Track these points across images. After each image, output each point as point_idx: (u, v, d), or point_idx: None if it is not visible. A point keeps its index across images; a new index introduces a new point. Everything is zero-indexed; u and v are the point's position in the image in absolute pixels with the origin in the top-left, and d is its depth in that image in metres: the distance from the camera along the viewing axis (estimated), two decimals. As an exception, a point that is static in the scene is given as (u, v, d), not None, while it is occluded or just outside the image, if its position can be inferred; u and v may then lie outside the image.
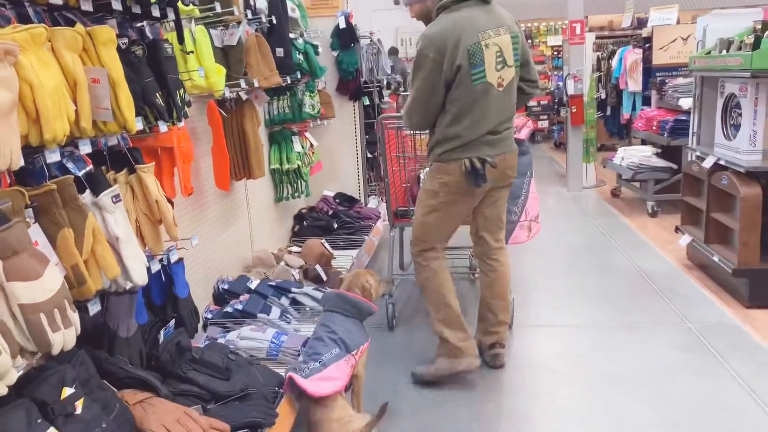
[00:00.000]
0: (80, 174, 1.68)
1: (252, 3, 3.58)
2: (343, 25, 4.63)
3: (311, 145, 4.33)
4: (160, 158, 2.34)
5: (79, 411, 1.40)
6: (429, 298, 3.04)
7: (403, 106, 2.95)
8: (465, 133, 2.76)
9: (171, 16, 2.25)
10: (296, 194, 4.19)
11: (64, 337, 1.34)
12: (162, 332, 2.21)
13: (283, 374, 2.43)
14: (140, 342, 2.09)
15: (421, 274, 3.03)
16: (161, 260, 2.23)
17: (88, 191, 1.69)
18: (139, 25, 2.22)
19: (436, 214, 2.92)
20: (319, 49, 4.28)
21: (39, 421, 1.30)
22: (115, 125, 1.75)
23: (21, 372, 1.32)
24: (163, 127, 2.10)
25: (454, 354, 2.96)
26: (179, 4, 2.31)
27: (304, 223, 4.51)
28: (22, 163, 1.39)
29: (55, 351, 1.32)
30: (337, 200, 4.84)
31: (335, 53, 4.76)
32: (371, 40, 4.95)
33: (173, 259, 2.27)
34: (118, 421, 1.52)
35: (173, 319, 2.29)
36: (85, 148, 1.68)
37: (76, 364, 1.53)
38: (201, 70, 2.51)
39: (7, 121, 1.34)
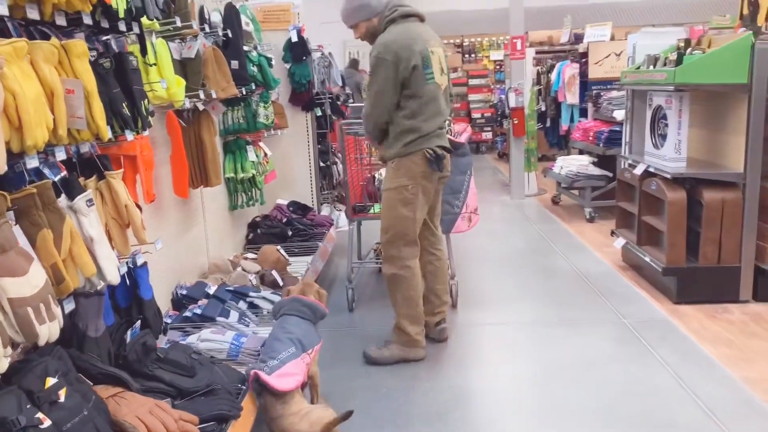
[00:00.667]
0: (56, 179, 1.77)
1: (207, 16, 3.69)
2: (295, 39, 4.77)
3: (265, 154, 4.44)
4: (123, 166, 2.43)
5: (62, 399, 1.49)
6: (400, 294, 3.32)
7: (361, 111, 3.27)
8: (423, 126, 3.13)
9: (135, 29, 2.35)
10: (251, 202, 4.28)
11: (49, 330, 1.44)
12: (129, 333, 2.28)
13: (244, 373, 2.55)
14: (108, 342, 2.16)
15: (397, 271, 3.27)
16: (127, 263, 2.32)
17: (63, 196, 1.78)
18: (105, 38, 2.31)
19: (411, 206, 3.20)
20: (272, 62, 4.41)
21: (28, 406, 1.39)
22: (88, 133, 1.84)
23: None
24: (129, 135, 2.20)
25: (409, 344, 3.31)
26: (143, 18, 2.41)
27: (258, 231, 4.59)
28: (5, 168, 1.48)
29: (42, 342, 1.42)
30: (291, 208, 4.95)
31: (288, 66, 4.89)
32: (322, 53, 5.11)
33: (138, 262, 2.36)
34: (96, 410, 1.61)
35: (139, 321, 2.37)
36: (60, 155, 1.78)
37: (55, 357, 1.62)
38: (163, 82, 2.62)
39: (-6, 127, 1.44)
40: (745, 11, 12.33)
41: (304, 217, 4.91)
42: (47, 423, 1.40)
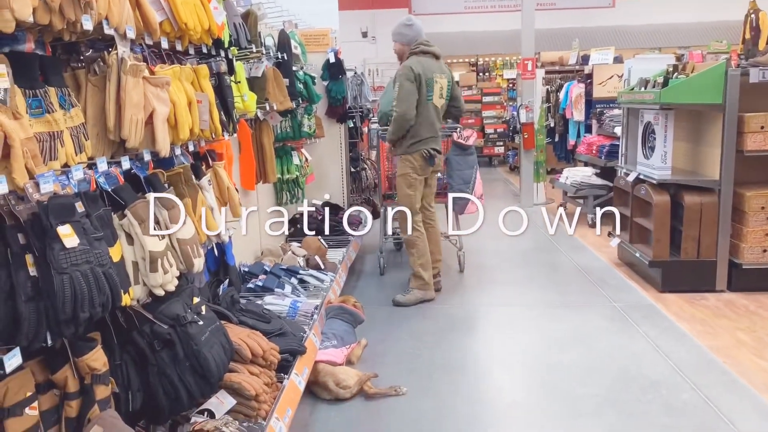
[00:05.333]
0: (188, 164, 2.46)
1: (262, 41, 4.40)
2: (332, 60, 5.47)
3: (306, 159, 5.13)
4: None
5: (204, 312, 2.16)
6: (415, 249, 4.53)
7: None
8: (422, 133, 4.39)
9: (229, 55, 3.05)
10: (294, 200, 4.97)
11: (200, 262, 2.12)
12: (220, 288, 2.97)
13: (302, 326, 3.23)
14: (208, 292, 2.85)
15: (410, 233, 4.51)
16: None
17: (192, 176, 2.47)
18: (205, 62, 3.01)
19: (413, 187, 4.47)
20: (315, 80, 5.11)
21: (188, 311, 2.06)
22: (208, 132, 2.54)
23: (170, 285, 2.08)
24: (226, 136, 2.89)
25: (424, 287, 4.53)
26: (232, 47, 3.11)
27: (298, 225, 5.27)
28: (169, 153, 2.17)
29: (196, 270, 2.10)
30: (325, 208, 5.62)
31: (325, 83, 5.59)
32: (355, 73, 5.81)
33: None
34: (220, 326, 2.28)
35: (226, 280, 3.05)
36: (191, 147, 2.47)
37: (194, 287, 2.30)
38: (245, 96, 3.32)
39: (165, 125, 2.13)
40: (747, 36, 13.03)
41: (337, 216, 5.58)
42: (201, 322, 2.07)
